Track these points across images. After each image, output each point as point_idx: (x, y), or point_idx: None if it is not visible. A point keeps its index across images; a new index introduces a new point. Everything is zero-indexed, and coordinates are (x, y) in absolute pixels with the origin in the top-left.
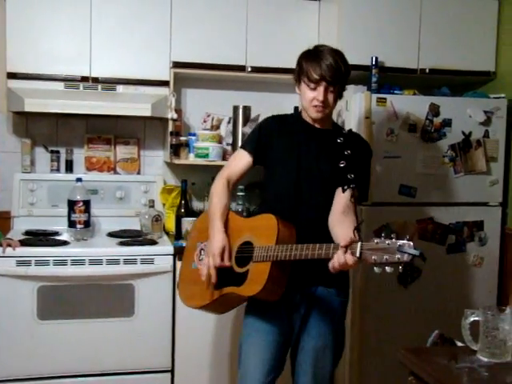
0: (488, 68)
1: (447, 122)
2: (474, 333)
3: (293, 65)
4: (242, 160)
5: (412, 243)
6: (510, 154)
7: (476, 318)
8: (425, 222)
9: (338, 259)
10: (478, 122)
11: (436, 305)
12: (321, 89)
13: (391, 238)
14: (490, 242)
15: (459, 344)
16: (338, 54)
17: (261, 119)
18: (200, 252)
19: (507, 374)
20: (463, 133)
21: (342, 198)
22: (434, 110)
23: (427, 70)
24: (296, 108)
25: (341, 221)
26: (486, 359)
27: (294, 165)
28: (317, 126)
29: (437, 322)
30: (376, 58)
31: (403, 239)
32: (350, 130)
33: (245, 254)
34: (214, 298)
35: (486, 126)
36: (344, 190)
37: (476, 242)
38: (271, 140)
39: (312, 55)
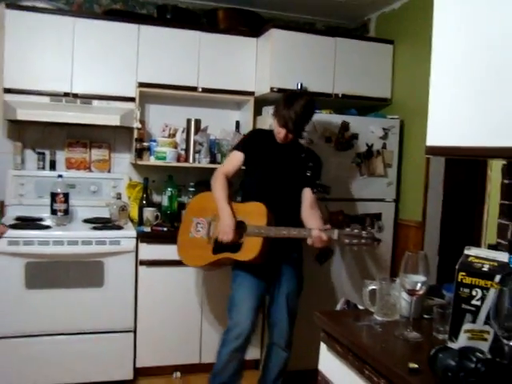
0: (385, 95)
1: (355, 136)
2: (372, 298)
3: (235, 87)
4: (237, 159)
5: (373, 231)
6: (401, 162)
7: (373, 287)
8: (336, 214)
9: (321, 237)
10: (378, 136)
11: (344, 277)
12: (284, 131)
13: (358, 228)
14: (386, 229)
15: (361, 307)
16: (306, 110)
17: (209, 130)
18: (196, 225)
19: (395, 329)
20: (367, 144)
21: (308, 197)
22: (345, 126)
23: (340, 95)
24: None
25: (311, 214)
26: (380, 318)
27: (270, 170)
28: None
29: (344, 291)
30: (301, 84)
31: (366, 229)
32: (308, 148)
33: (237, 229)
34: (212, 260)
35: (384, 139)
36: (314, 192)
37: (376, 229)
38: (256, 148)
39: (288, 106)
